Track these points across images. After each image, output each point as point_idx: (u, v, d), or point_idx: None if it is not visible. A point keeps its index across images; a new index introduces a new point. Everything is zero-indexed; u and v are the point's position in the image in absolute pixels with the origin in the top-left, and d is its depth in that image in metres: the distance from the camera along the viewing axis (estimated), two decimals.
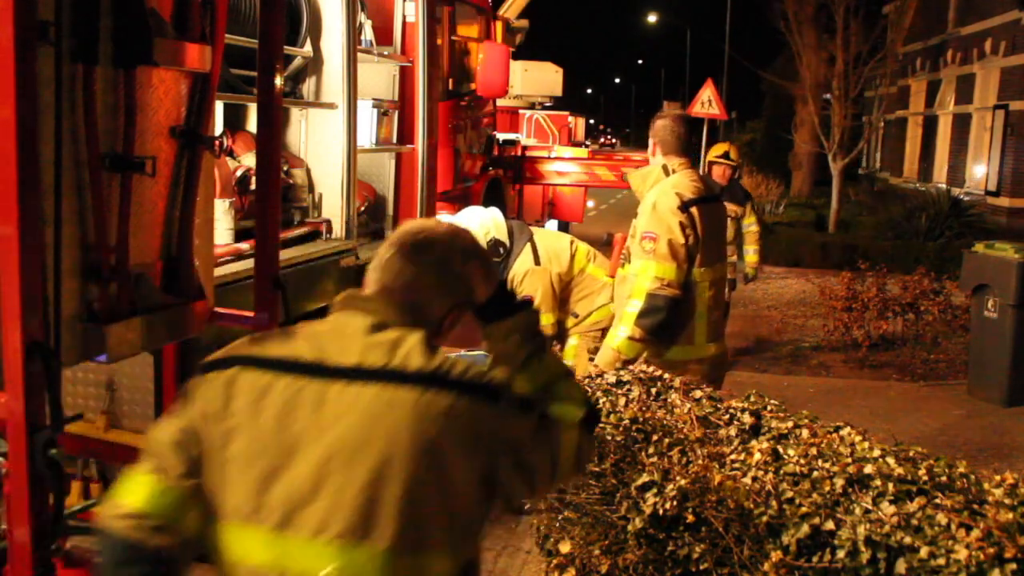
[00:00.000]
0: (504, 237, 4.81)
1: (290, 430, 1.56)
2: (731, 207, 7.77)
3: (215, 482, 1.59)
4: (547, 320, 4.65)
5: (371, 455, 1.51)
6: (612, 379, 3.16)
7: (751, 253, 8.14)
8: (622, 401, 2.96)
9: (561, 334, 4.96)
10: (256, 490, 1.56)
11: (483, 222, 4.84)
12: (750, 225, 8.04)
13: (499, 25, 10.13)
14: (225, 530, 1.59)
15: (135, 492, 1.60)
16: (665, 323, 3.68)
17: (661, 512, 2.45)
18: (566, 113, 14.99)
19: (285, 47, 3.52)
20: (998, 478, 2.48)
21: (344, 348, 1.60)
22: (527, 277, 4.73)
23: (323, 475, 1.53)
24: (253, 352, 1.64)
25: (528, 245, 4.85)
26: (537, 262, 4.78)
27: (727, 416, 2.91)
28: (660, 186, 3.83)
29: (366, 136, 4.99)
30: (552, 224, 13.29)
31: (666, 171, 3.85)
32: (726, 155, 7.88)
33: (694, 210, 3.74)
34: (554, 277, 4.74)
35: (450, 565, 1.58)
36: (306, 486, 1.53)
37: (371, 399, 1.54)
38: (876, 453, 2.56)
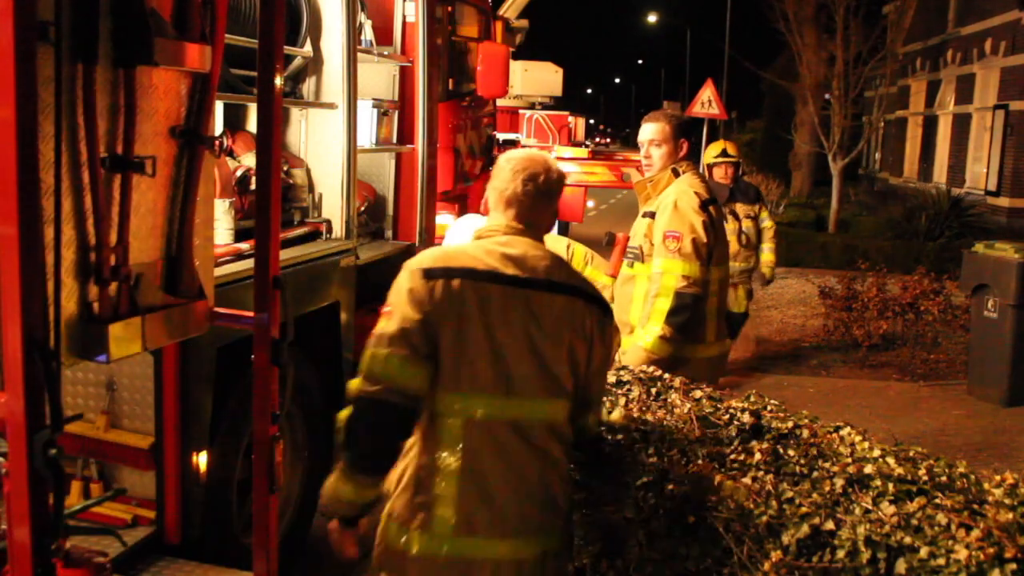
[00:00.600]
0: None
1: (509, 323, 2.27)
2: (745, 207, 7.36)
3: (453, 361, 2.24)
4: None
5: (563, 339, 2.31)
6: (612, 379, 3.16)
7: (767, 252, 7.64)
8: (622, 401, 2.96)
9: None
10: (491, 366, 2.25)
11: (478, 229, 4.86)
12: (764, 221, 7.60)
13: (499, 25, 10.12)
14: (461, 397, 2.26)
15: (396, 368, 2.21)
16: (690, 321, 3.74)
17: (661, 512, 2.44)
18: (566, 113, 14.98)
19: (285, 47, 3.51)
20: (998, 478, 2.48)
21: (533, 266, 2.34)
22: None
23: (534, 354, 2.28)
24: (468, 266, 2.30)
25: None
26: None
27: (727, 416, 2.91)
28: (676, 185, 3.87)
29: (366, 136, 4.99)
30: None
31: (675, 173, 3.90)
32: (724, 153, 7.41)
33: (711, 209, 3.81)
34: None
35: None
36: (523, 361, 2.27)
37: (563, 303, 2.34)
38: (876, 453, 2.56)
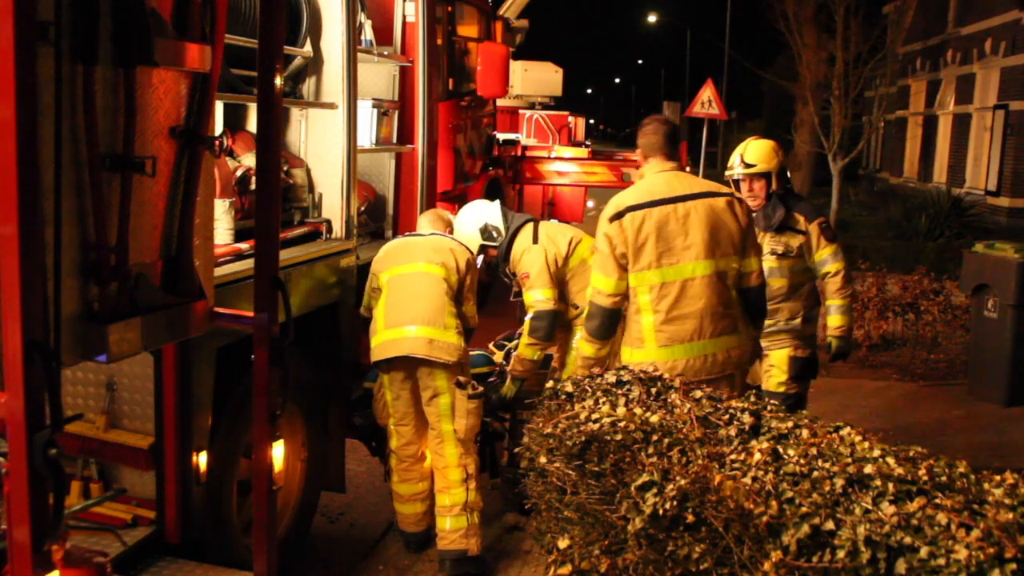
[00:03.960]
0: (498, 223, 5.00)
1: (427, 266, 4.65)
2: (772, 238, 4.67)
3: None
4: (547, 295, 4.77)
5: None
6: (612, 379, 3.17)
7: (834, 312, 4.80)
8: (622, 401, 2.96)
9: (566, 325, 5.00)
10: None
11: (476, 211, 5.10)
12: (824, 263, 4.69)
13: (499, 25, 10.12)
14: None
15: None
16: (603, 327, 3.88)
17: (661, 512, 2.44)
18: (566, 113, 14.95)
19: (285, 47, 3.51)
20: (998, 478, 2.48)
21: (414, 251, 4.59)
22: (524, 255, 4.88)
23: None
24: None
25: (530, 226, 4.95)
26: (535, 241, 4.89)
27: (727, 416, 2.91)
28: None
29: (366, 136, 4.99)
30: None
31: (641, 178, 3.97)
32: (741, 160, 4.78)
33: (628, 217, 3.76)
34: (550, 256, 4.83)
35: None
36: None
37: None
38: (876, 453, 2.56)
